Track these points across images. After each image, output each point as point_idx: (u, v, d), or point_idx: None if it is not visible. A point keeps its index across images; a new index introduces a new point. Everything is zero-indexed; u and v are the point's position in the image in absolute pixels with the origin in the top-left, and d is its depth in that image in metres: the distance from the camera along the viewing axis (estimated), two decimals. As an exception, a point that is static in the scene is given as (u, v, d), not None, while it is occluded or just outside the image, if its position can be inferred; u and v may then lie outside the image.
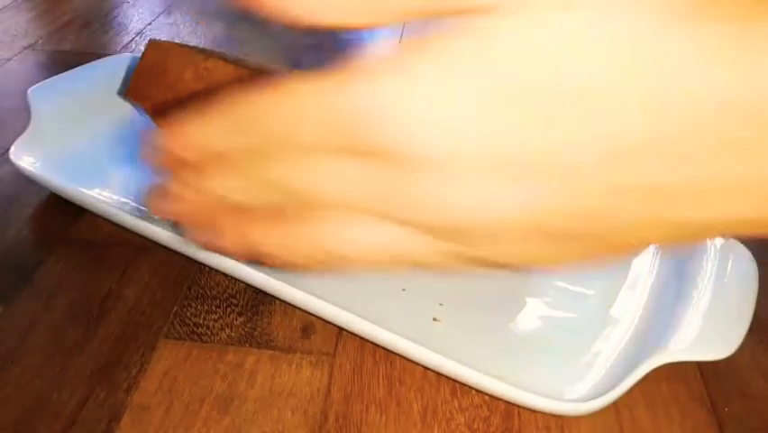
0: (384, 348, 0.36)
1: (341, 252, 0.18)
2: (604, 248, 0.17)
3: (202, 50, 0.43)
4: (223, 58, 0.42)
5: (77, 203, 0.44)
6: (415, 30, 0.16)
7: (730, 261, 0.39)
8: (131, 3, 0.87)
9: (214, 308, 0.39)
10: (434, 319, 0.37)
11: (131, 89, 0.44)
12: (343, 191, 0.17)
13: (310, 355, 0.37)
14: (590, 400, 0.32)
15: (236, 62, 0.42)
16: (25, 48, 0.72)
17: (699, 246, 0.40)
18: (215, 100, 0.40)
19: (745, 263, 0.39)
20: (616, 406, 0.34)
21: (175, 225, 0.40)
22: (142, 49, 0.45)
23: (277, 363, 0.36)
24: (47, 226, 0.45)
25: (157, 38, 0.48)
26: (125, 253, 0.43)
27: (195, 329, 0.38)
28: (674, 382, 0.36)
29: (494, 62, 0.15)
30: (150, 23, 0.80)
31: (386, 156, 0.16)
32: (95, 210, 0.43)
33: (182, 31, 0.78)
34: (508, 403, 0.34)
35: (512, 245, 0.17)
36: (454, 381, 0.35)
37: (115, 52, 0.72)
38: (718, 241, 0.40)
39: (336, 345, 0.37)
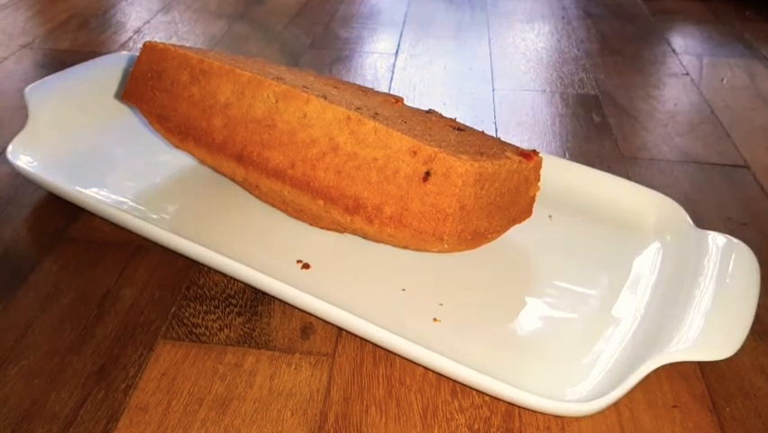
0: (384, 348, 0.36)
1: None
2: None
3: (198, 51, 0.43)
4: (219, 59, 0.42)
5: (75, 203, 0.44)
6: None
7: (732, 261, 0.39)
8: (128, 1, 0.86)
9: (212, 308, 0.39)
10: (434, 319, 0.37)
11: (127, 92, 0.44)
12: None
13: (309, 356, 0.36)
14: (591, 400, 0.31)
15: (234, 63, 0.42)
16: (22, 46, 0.71)
17: (701, 246, 0.40)
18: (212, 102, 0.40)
19: (747, 263, 0.39)
20: (617, 406, 0.34)
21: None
22: (140, 47, 0.45)
23: (276, 364, 0.36)
24: (44, 226, 0.45)
25: (154, 38, 0.47)
26: (123, 254, 0.43)
27: (193, 330, 0.38)
28: (675, 382, 0.36)
29: None
30: (147, 22, 0.79)
31: None
32: (92, 210, 0.43)
33: (180, 29, 0.78)
34: (509, 404, 0.34)
35: None
36: (455, 381, 0.35)
37: (113, 51, 0.71)
38: (720, 240, 0.40)
39: (336, 345, 0.37)
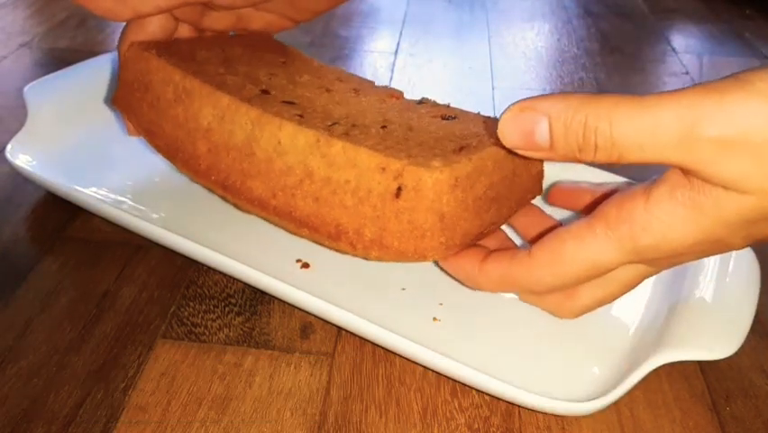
0: (384, 348, 0.36)
1: None
2: None
3: (181, 62, 0.40)
4: (203, 71, 0.40)
5: (74, 202, 0.44)
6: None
7: (732, 259, 0.39)
8: (128, 0, 0.86)
9: (212, 307, 0.39)
10: (434, 319, 0.37)
11: (116, 98, 0.42)
12: None
13: (309, 355, 0.36)
14: (591, 400, 0.31)
15: (225, 60, 0.40)
16: (21, 46, 0.71)
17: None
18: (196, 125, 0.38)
19: (747, 262, 0.39)
20: (617, 405, 0.34)
21: None
22: (121, 45, 0.43)
23: (275, 364, 0.36)
24: (43, 226, 0.45)
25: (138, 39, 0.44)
26: (123, 253, 0.43)
27: (193, 329, 0.37)
28: (676, 381, 0.36)
29: None
30: (147, 21, 0.79)
31: None
32: (91, 209, 0.43)
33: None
34: (509, 403, 0.34)
35: None
36: (454, 381, 0.35)
37: (112, 50, 0.71)
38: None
39: (335, 345, 0.37)
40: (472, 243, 0.35)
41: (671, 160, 0.25)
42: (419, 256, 0.32)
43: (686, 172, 0.26)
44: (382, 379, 0.35)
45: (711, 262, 0.39)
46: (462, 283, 0.35)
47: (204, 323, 0.38)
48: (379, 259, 0.34)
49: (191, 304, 0.39)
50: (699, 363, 0.37)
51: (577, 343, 0.36)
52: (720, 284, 0.37)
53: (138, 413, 0.33)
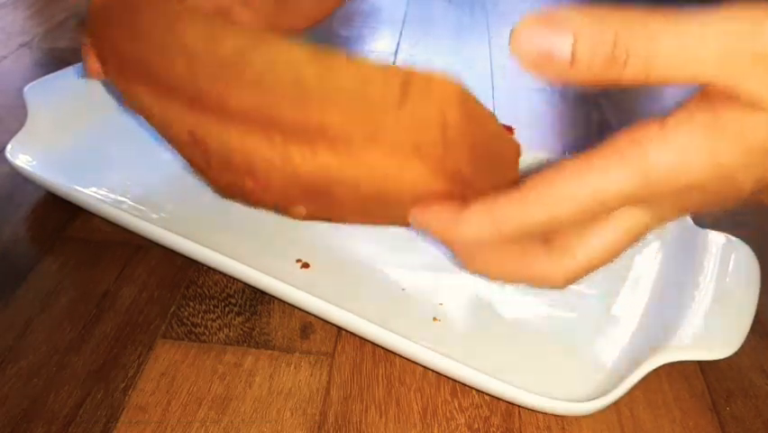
0: (384, 348, 0.36)
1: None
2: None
3: None
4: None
5: (74, 202, 0.44)
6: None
7: (732, 259, 0.39)
8: None
9: (212, 307, 0.39)
10: (434, 319, 0.37)
11: (90, 20, 0.36)
12: None
13: (309, 355, 0.36)
14: (591, 399, 0.31)
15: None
16: (21, 46, 0.71)
17: (701, 246, 0.40)
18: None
19: (747, 262, 0.39)
20: (617, 405, 0.34)
21: None
22: None
23: (275, 364, 0.36)
24: (43, 225, 0.45)
25: None
26: (123, 253, 0.43)
27: (193, 329, 0.37)
28: (676, 381, 0.36)
29: None
30: (147, 21, 0.79)
31: None
32: (91, 209, 0.43)
33: (179, 28, 0.78)
34: (509, 403, 0.34)
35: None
36: (454, 381, 0.35)
37: (112, 50, 0.71)
38: (720, 240, 0.40)
39: (335, 345, 0.37)
40: (460, 191, 0.31)
41: (706, 75, 0.23)
42: (414, 151, 0.29)
43: (713, 95, 0.24)
44: (382, 379, 0.35)
45: (711, 263, 0.39)
46: (436, 239, 0.30)
47: (204, 323, 0.38)
48: (360, 171, 0.31)
49: (191, 304, 0.39)
50: (699, 363, 0.37)
51: (577, 343, 0.36)
52: (720, 284, 0.37)
53: (138, 413, 0.33)
